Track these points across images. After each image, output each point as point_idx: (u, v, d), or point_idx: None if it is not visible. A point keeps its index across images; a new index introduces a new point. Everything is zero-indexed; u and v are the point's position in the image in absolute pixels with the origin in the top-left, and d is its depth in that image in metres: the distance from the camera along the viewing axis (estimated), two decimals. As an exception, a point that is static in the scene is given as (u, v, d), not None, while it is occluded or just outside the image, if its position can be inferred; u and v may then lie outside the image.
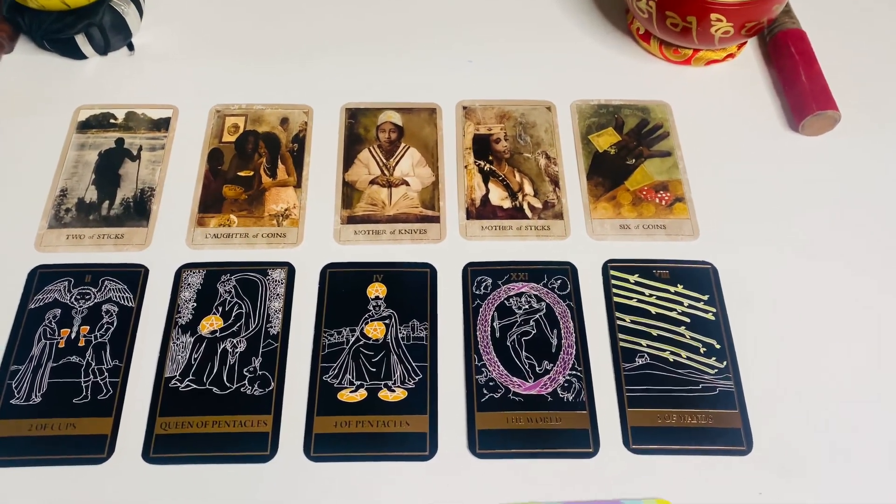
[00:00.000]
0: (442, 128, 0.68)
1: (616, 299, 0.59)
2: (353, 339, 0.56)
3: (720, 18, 0.65)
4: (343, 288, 0.59)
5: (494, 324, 0.57)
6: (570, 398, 0.54)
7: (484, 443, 0.53)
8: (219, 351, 0.56)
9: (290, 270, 0.59)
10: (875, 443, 0.53)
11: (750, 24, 0.66)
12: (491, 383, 0.55)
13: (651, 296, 0.59)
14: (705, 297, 0.59)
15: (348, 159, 0.66)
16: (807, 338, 0.58)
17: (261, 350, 0.56)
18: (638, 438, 0.53)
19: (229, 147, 0.66)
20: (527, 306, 0.58)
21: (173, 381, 0.54)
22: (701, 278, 0.60)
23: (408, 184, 0.65)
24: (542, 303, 0.58)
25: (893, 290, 0.60)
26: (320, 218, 0.63)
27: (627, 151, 0.67)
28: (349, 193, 0.64)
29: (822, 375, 0.56)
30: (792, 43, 0.71)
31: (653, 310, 0.58)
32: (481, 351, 0.56)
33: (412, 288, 0.59)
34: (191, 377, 0.55)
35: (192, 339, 0.56)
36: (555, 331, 0.57)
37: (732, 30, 0.66)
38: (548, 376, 0.55)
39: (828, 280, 0.60)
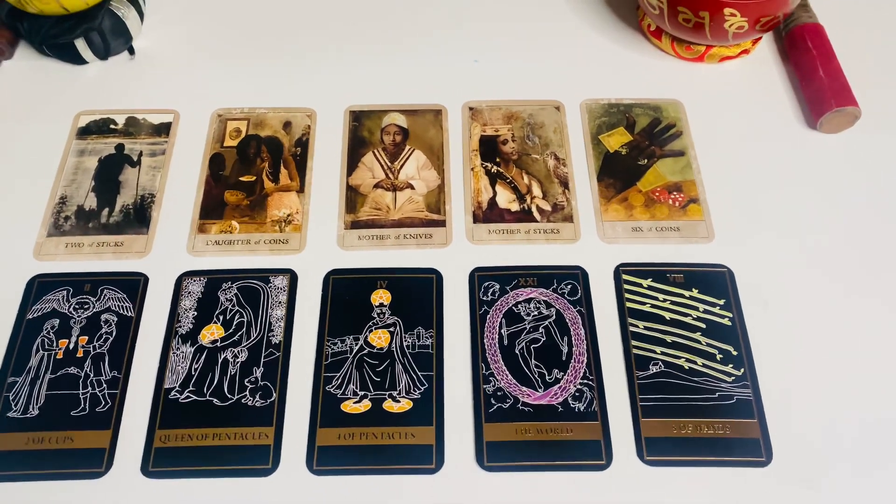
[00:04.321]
0: (448, 129, 0.66)
1: (629, 304, 0.57)
2: (357, 347, 0.55)
3: (734, 13, 0.63)
4: (346, 295, 0.57)
5: (502, 331, 0.56)
6: (582, 408, 0.53)
7: (492, 455, 0.51)
8: (219, 361, 0.54)
9: (293, 277, 0.58)
10: (901, 453, 0.51)
11: (765, 18, 0.64)
12: (499, 393, 0.53)
13: (665, 301, 0.57)
14: (721, 302, 0.57)
15: (352, 163, 0.64)
16: (828, 343, 0.55)
17: (262, 360, 0.54)
18: (652, 450, 0.51)
19: (231, 152, 0.65)
20: (536, 312, 0.56)
21: (173, 393, 0.53)
22: (717, 282, 0.58)
23: (413, 187, 0.63)
24: (552, 309, 0.57)
25: (918, 293, 0.58)
26: (324, 223, 0.61)
27: (639, 151, 0.65)
28: (353, 198, 0.62)
29: (844, 383, 0.54)
30: (809, 37, 0.69)
31: (667, 315, 0.56)
32: (489, 359, 0.54)
33: (417, 294, 0.57)
34: (191, 388, 0.53)
35: (193, 349, 0.55)
36: (565, 338, 0.55)
37: (747, 25, 0.64)
38: (558, 385, 0.53)
39: (848, 283, 0.58)
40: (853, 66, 0.67)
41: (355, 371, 0.54)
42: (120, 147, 0.65)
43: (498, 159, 0.65)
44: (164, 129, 0.66)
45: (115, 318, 0.56)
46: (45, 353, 0.54)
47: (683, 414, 0.52)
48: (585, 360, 0.54)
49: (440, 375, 0.54)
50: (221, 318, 0.56)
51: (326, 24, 0.74)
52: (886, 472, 0.51)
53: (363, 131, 0.66)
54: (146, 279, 0.58)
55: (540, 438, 0.51)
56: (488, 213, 0.62)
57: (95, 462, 0.51)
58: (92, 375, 0.54)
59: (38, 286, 0.57)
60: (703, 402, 0.53)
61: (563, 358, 0.55)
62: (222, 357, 0.54)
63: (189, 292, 0.57)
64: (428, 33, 0.73)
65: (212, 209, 0.62)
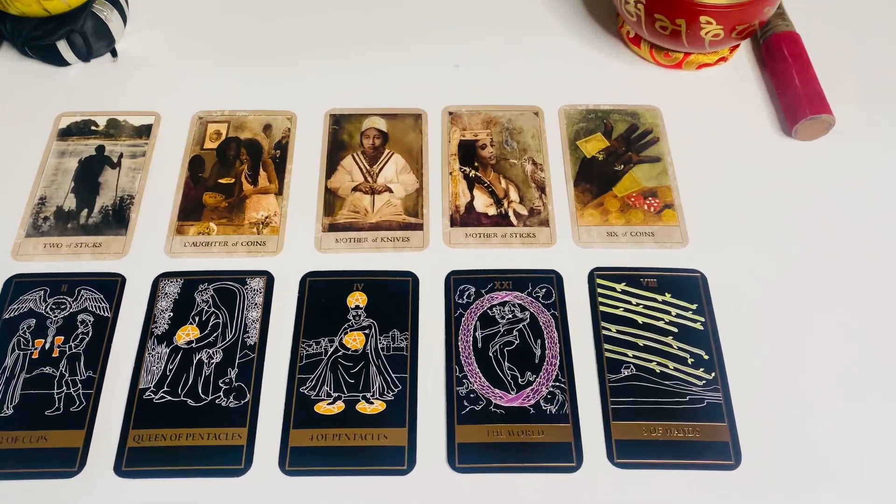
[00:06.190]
0: (427, 134, 0.67)
1: (602, 308, 0.57)
2: (332, 349, 0.55)
3: (710, 21, 0.64)
4: (323, 297, 0.58)
5: (477, 333, 0.56)
6: (553, 410, 0.53)
7: (464, 457, 0.51)
8: (194, 362, 0.54)
9: (269, 279, 0.58)
10: (868, 457, 0.52)
11: (741, 26, 0.65)
12: (472, 395, 0.54)
13: (638, 305, 0.58)
14: (694, 307, 0.57)
15: (331, 166, 0.65)
16: (798, 348, 0.56)
17: (237, 361, 0.55)
18: (623, 452, 0.52)
19: (211, 154, 0.65)
20: (510, 316, 0.57)
21: (147, 393, 0.53)
22: (689, 287, 0.58)
23: (391, 191, 0.63)
24: (527, 312, 0.57)
25: (888, 298, 0.58)
26: (301, 226, 0.61)
27: (616, 157, 0.66)
28: (331, 201, 0.63)
29: (813, 387, 0.54)
30: (785, 46, 0.69)
31: (640, 319, 0.57)
32: (463, 362, 0.55)
33: (393, 297, 0.58)
34: (165, 388, 0.53)
35: (168, 350, 0.55)
36: (538, 341, 0.56)
37: (723, 33, 0.65)
38: (531, 388, 0.54)
39: (820, 289, 0.59)
40: (829, 74, 0.68)
41: (329, 373, 0.54)
42: (100, 149, 0.65)
43: (476, 164, 0.65)
44: (144, 132, 0.67)
45: (92, 319, 0.56)
46: (21, 353, 0.55)
47: (654, 417, 0.53)
48: (558, 363, 0.55)
49: (414, 377, 0.54)
50: (197, 319, 0.56)
51: (308, 27, 0.74)
52: (853, 476, 0.51)
53: (343, 135, 0.67)
54: (123, 280, 0.58)
55: (511, 440, 0.52)
56: (465, 217, 0.62)
57: (68, 461, 0.51)
58: (67, 375, 0.54)
59: (16, 286, 0.58)
60: (674, 405, 0.53)
61: (536, 361, 0.55)
62: (197, 358, 0.55)
63: (165, 293, 0.57)
64: (409, 38, 0.74)
65: (190, 211, 0.62)
